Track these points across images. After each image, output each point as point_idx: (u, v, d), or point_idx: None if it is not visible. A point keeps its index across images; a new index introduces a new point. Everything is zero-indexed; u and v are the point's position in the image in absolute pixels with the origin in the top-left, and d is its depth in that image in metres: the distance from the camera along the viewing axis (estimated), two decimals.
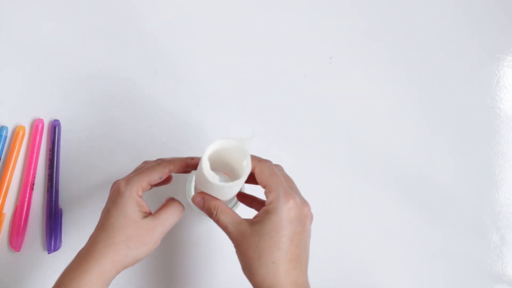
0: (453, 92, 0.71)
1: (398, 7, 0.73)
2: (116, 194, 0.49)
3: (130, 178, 0.50)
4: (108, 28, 0.68)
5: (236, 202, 0.61)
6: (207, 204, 0.49)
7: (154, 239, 0.49)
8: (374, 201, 0.66)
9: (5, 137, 0.64)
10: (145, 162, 0.55)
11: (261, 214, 0.47)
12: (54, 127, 0.64)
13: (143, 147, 0.65)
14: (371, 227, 0.66)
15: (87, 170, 0.64)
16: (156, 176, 0.50)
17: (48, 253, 0.62)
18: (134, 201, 0.49)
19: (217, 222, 0.49)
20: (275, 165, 0.50)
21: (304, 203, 0.48)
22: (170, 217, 0.50)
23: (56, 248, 0.62)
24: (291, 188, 0.48)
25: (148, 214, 0.50)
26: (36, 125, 0.64)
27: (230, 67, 0.69)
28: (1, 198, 0.62)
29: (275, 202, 0.46)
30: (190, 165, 0.52)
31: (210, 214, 0.49)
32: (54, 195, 0.63)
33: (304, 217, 0.47)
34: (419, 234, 0.66)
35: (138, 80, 0.67)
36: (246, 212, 0.65)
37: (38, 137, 0.64)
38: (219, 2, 0.71)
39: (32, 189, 0.63)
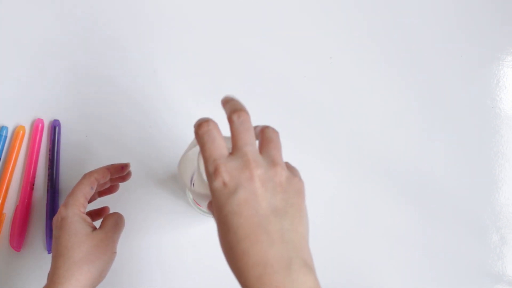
0: (453, 92, 0.71)
1: (398, 8, 0.73)
2: (59, 219, 0.50)
3: (66, 201, 0.51)
4: (108, 28, 0.68)
5: None
6: None
7: (110, 246, 0.50)
8: (374, 201, 0.66)
9: (5, 137, 0.64)
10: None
11: None
12: (54, 127, 0.64)
13: (143, 147, 0.65)
14: (371, 227, 0.66)
15: (87, 170, 0.64)
16: (87, 188, 0.52)
17: (48, 253, 0.62)
18: (79, 217, 0.50)
19: None
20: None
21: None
22: (115, 224, 0.52)
23: None
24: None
25: (94, 228, 0.51)
26: (36, 125, 0.64)
27: (230, 67, 0.69)
28: (1, 198, 0.62)
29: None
30: (110, 169, 0.55)
31: None
32: (54, 195, 0.63)
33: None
34: (419, 234, 0.66)
35: (138, 80, 0.67)
36: None
37: (38, 137, 0.64)
38: (220, 1, 0.71)
39: (32, 189, 0.63)
